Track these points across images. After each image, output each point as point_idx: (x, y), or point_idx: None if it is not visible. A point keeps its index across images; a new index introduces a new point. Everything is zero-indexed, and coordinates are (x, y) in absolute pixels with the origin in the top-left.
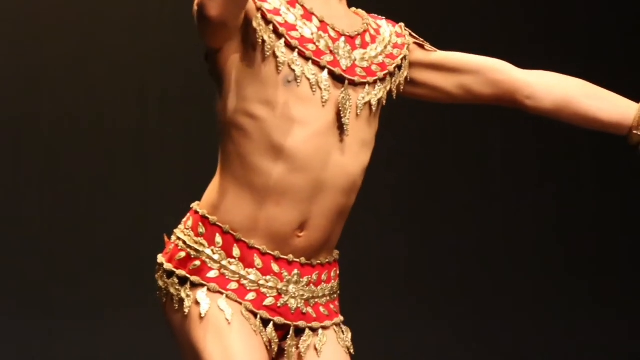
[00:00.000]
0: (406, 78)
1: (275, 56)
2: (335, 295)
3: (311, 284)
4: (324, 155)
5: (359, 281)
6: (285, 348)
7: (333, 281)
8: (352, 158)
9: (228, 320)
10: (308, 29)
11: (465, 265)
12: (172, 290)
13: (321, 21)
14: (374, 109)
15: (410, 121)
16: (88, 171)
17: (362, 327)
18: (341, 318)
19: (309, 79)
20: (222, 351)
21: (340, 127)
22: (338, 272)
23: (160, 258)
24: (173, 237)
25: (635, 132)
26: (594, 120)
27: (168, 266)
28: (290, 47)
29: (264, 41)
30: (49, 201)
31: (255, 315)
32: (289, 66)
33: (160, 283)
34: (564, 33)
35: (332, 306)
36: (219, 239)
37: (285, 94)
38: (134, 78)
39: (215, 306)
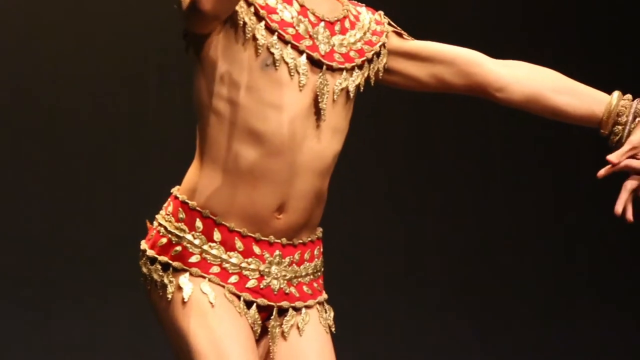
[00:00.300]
0: (384, 65)
1: (254, 39)
2: (319, 273)
3: (293, 264)
4: (300, 139)
5: (358, 275)
6: (269, 329)
7: (316, 259)
8: (326, 143)
9: (212, 303)
10: (288, 13)
11: (466, 260)
12: (155, 276)
13: (301, 5)
14: (351, 95)
15: (409, 113)
16: (87, 155)
17: (362, 320)
18: (325, 296)
19: (287, 63)
20: (208, 333)
21: (317, 112)
22: (322, 250)
23: (144, 244)
24: (155, 223)
25: (602, 130)
26: (563, 116)
27: (151, 253)
28: (270, 30)
29: (244, 23)
30: (47, 187)
31: (238, 297)
32: (268, 49)
33: (144, 270)
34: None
35: (315, 284)
36: (199, 223)
37: (263, 78)
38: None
39: (198, 290)
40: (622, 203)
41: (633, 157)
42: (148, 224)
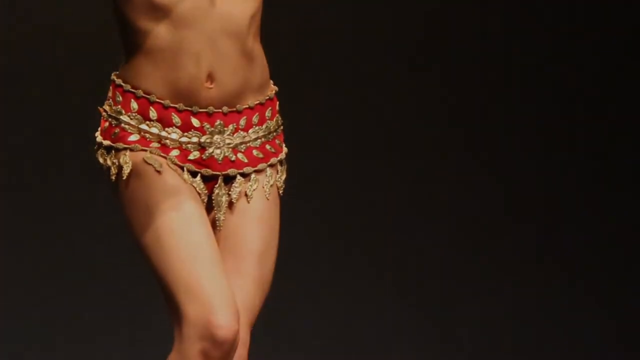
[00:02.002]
0: None
1: None
2: (274, 134)
3: (239, 130)
4: (205, 7)
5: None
6: (213, 197)
7: (268, 121)
8: (235, 6)
9: (159, 171)
10: None
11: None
12: (100, 160)
13: None
14: None
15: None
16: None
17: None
18: (281, 157)
19: None
20: (166, 196)
21: None
22: (276, 109)
23: (97, 133)
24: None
25: None
26: None
27: (99, 139)
28: None
29: None
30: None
31: (181, 168)
32: None
33: (95, 155)
34: None
35: (268, 146)
36: (134, 104)
37: None
38: None
39: (142, 162)
40: None
41: None
42: (99, 109)
